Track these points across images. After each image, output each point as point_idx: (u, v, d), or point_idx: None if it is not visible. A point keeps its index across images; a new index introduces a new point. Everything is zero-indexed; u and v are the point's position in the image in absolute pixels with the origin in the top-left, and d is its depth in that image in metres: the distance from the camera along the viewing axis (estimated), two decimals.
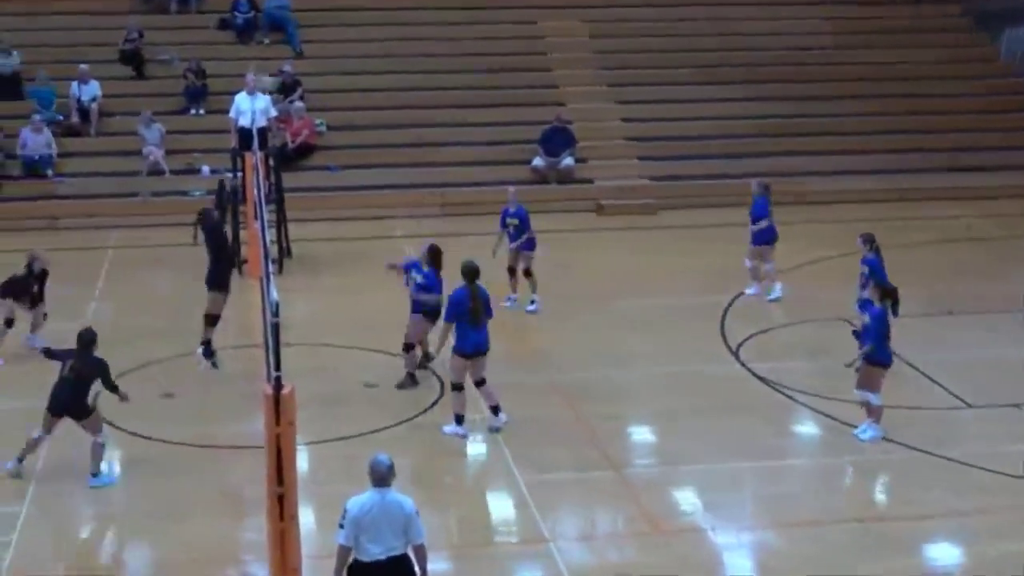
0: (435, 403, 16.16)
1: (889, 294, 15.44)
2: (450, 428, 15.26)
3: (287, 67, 27.83)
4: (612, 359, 17.96)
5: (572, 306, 20.00)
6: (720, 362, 17.82)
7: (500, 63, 29.65)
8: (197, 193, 25.66)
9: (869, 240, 18.02)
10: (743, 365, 17.66)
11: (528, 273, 19.87)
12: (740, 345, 18.39)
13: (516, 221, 19.85)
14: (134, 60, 28.36)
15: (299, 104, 27.00)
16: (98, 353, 14.09)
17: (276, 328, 9.71)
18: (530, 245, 19.87)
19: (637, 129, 28.54)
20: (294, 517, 9.97)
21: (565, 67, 29.94)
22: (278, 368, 9.68)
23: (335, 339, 18.42)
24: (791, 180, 26.55)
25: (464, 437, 15.16)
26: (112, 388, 14.15)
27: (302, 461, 13.31)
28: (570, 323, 19.43)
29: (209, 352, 17.16)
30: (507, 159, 27.52)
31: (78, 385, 13.92)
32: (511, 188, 20.79)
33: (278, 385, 9.68)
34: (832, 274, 21.23)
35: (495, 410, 15.34)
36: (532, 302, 19.81)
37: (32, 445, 14.05)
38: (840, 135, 28.88)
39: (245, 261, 20.82)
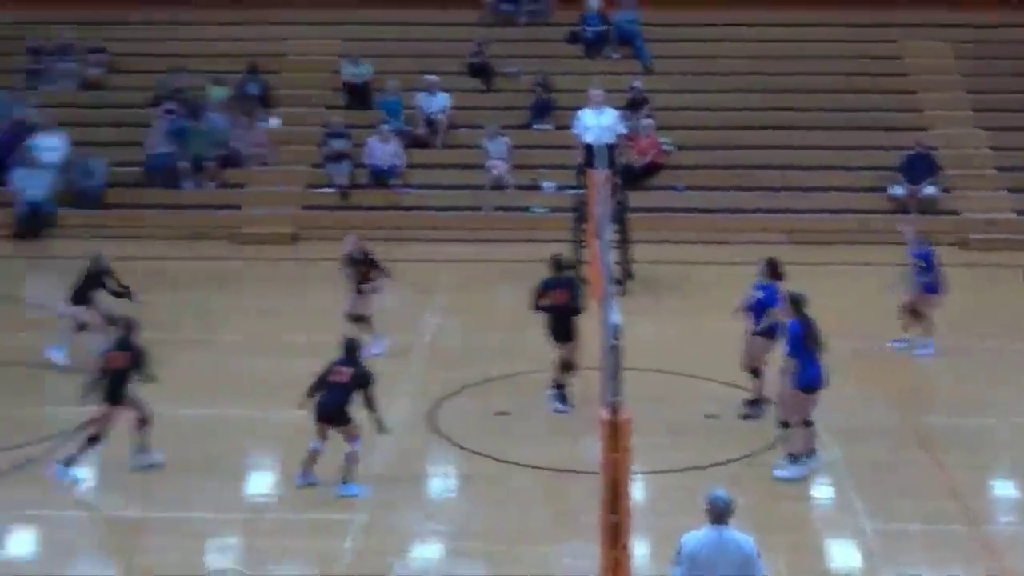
0: (778, 440, 15.21)
1: None
2: (784, 472, 14.38)
3: (636, 83, 27.38)
4: (978, 405, 16.79)
5: (936, 347, 18.61)
6: None
7: (858, 84, 28.36)
8: (539, 210, 25.53)
9: None
10: None
11: (919, 315, 18.58)
12: None
13: (922, 263, 18.60)
14: (483, 73, 28.43)
15: (647, 121, 26.44)
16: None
17: (616, 351, 9.34)
18: (930, 288, 18.50)
19: (1007, 158, 26.79)
20: (627, 547, 9.52)
21: (929, 90, 28.42)
22: (617, 393, 9.27)
23: (676, 365, 17.82)
24: None
25: (803, 478, 14.29)
26: (371, 404, 13.90)
27: (638, 490, 12.98)
28: (933, 365, 18.34)
29: (562, 397, 16.50)
30: (861, 185, 26.30)
31: (347, 391, 13.81)
32: (907, 228, 19.43)
33: (616, 410, 9.29)
34: None
35: (794, 457, 14.42)
36: (924, 345, 18.57)
37: (312, 456, 13.98)
38: None
39: (586, 281, 20.39)
